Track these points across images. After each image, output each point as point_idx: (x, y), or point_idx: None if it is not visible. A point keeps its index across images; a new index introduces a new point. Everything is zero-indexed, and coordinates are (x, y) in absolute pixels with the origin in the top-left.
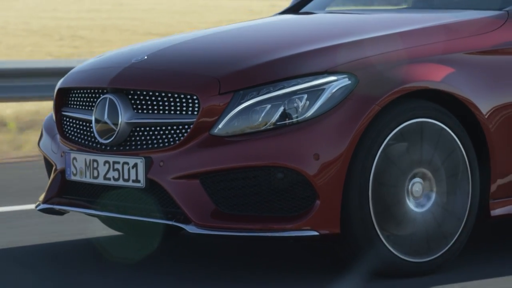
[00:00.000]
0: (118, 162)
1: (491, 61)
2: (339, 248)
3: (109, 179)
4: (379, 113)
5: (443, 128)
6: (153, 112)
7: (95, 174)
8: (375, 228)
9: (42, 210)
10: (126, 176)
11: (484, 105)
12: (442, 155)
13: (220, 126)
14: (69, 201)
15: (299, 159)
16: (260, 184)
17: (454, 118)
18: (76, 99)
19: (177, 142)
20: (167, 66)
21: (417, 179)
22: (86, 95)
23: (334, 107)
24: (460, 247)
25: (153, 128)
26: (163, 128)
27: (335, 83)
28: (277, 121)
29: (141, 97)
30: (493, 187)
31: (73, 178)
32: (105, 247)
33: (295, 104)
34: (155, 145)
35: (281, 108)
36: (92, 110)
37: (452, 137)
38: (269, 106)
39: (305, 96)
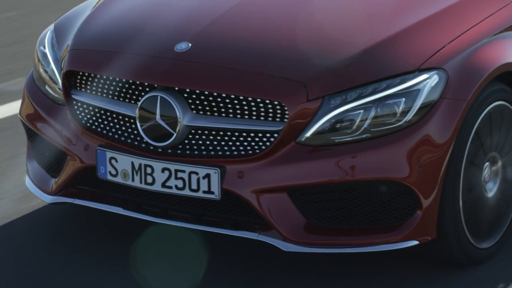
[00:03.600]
0: (183, 171)
1: None
2: (431, 252)
3: (169, 187)
4: (470, 108)
5: None
6: (219, 115)
7: (149, 181)
8: (463, 225)
9: (55, 203)
10: (194, 186)
11: None
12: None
13: (308, 134)
14: (98, 198)
15: (402, 170)
16: (359, 197)
17: None
18: (98, 85)
19: (259, 151)
20: (227, 61)
21: (488, 163)
22: (117, 85)
23: (431, 110)
24: None
25: (221, 133)
26: (236, 134)
27: (428, 82)
28: (371, 127)
29: (202, 97)
30: None
31: (111, 179)
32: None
33: (391, 109)
34: (228, 153)
35: (376, 114)
36: (130, 104)
37: None
38: (361, 111)
39: (402, 100)
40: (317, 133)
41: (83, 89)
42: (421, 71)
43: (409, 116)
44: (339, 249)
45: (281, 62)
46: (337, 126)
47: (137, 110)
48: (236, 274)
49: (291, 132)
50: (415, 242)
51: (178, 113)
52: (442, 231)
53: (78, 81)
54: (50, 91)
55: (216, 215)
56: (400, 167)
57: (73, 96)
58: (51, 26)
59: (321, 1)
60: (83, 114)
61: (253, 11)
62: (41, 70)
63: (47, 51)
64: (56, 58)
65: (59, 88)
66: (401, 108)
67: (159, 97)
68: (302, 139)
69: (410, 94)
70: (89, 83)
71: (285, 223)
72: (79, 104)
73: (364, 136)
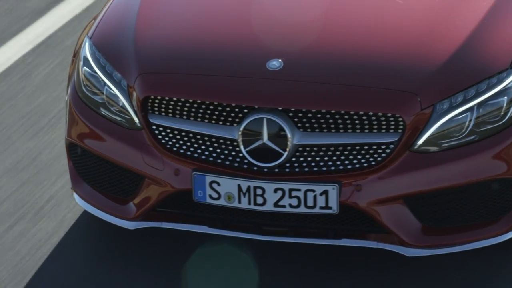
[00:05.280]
0: (298, 190)
1: None
2: None
3: (283, 206)
4: None
5: None
6: (329, 132)
7: (260, 202)
8: None
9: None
10: (310, 204)
11: None
12: None
13: (420, 142)
14: (183, 219)
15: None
16: (470, 196)
17: None
18: (184, 109)
19: (375, 164)
20: (327, 77)
21: None
22: (208, 108)
23: None
24: None
25: (332, 149)
26: (348, 149)
27: None
28: (476, 128)
29: (309, 115)
30: None
31: (211, 202)
32: None
33: (494, 109)
34: (342, 168)
35: (479, 115)
36: (226, 126)
37: None
38: (468, 114)
39: (504, 98)
40: (427, 140)
41: (163, 113)
42: None
43: (509, 114)
44: (456, 247)
45: (384, 73)
46: (446, 131)
47: (240, 132)
48: None
49: (405, 142)
50: None
51: (288, 133)
52: None
53: (156, 105)
54: (109, 114)
55: (322, 226)
56: (511, 164)
57: (153, 121)
58: (86, 41)
59: (392, 9)
60: (167, 138)
61: (332, 21)
62: (91, 91)
63: (98, 72)
64: (114, 81)
65: (125, 111)
66: (504, 106)
67: (265, 119)
68: (415, 147)
69: (510, 91)
70: (172, 107)
71: (404, 229)
72: (161, 128)
73: (471, 138)
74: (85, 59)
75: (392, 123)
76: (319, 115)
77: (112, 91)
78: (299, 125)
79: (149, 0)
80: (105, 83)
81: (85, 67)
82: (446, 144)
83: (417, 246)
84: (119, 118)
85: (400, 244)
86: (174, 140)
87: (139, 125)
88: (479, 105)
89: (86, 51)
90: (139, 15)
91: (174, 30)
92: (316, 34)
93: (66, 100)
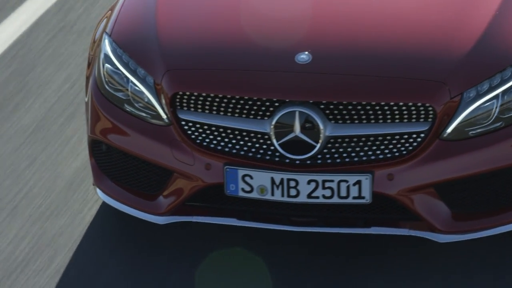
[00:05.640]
0: (332, 181)
1: None
2: None
3: (316, 197)
4: None
5: None
6: (360, 123)
7: (293, 193)
8: None
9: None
10: (344, 194)
11: None
12: None
13: (449, 130)
14: (212, 212)
15: None
16: (498, 181)
17: None
18: (214, 104)
19: (407, 153)
20: (356, 69)
21: None
22: (238, 102)
23: None
24: None
25: (363, 140)
26: (380, 139)
27: None
28: (501, 115)
29: (340, 107)
30: None
31: (243, 195)
32: None
33: None
34: (374, 158)
35: (504, 101)
36: (257, 120)
37: None
38: (494, 101)
39: None
40: (456, 129)
41: (192, 109)
42: None
43: None
44: (485, 232)
45: (412, 63)
46: (473, 119)
47: (272, 126)
48: None
49: (435, 131)
50: None
51: (320, 125)
52: None
53: (185, 101)
54: (134, 110)
55: (352, 215)
56: None
57: (182, 116)
58: (105, 38)
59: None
60: (196, 133)
61: (357, 12)
62: (114, 88)
63: (121, 69)
64: (138, 77)
65: (151, 107)
66: None
67: (297, 112)
68: (444, 136)
69: None
70: (202, 102)
71: (435, 216)
72: (191, 124)
73: (497, 125)
74: (107, 56)
75: (423, 112)
76: (350, 107)
77: (137, 88)
78: (330, 117)
79: None
80: (129, 80)
81: (107, 64)
82: (473, 132)
83: (448, 232)
84: (144, 114)
85: (431, 230)
86: (204, 135)
87: (166, 120)
88: (504, 92)
89: (107, 48)
90: (158, 10)
91: (198, 24)
92: (343, 26)
93: (86, 100)
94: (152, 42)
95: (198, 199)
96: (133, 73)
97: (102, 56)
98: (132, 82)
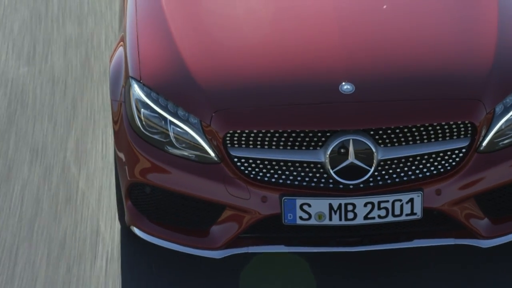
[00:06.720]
0: (387, 201)
1: None
2: None
3: (372, 218)
4: None
5: None
6: (407, 144)
7: (350, 217)
8: None
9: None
10: (397, 212)
11: None
12: None
13: (484, 143)
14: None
15: None
16: None
17: None
18: (266, 140)
19: (451, 168)
20: (399, 94)
21: None
22: (290, 136)
23: None
24: None
25: (411, 160)
26: (426, 157)
27: None
28: None
29: (388, 132)
30: None
31: (301, 223)
32: None
33: None
34: (421, 176)
35: None
36: (309, 150)
37: None
38: None
39: None
40: (490, 141)
41: (243, 145)
42: None
43: None
44: None
45: (447, 84)
46: (502, 131)
47: (327, 155)
48: None
49: (474, 145)
50: None
51: (373, 150)
52: None
53: (236, 139)
54: (176, 150)
55: (401, 231)
56: None
57: (234, 153)
58: (134, 84)
59: (428, 23)
60: (250, 169)
61: (388, 39)
62: (153, 132)
63: (160, 112)
64: (181, 118)
65: (198, 146)
66: None
67: (351, 140)
68: (481, 149)
69: None
70: (253, 139)
71: (478, 224)
72: (243, 160)
73: None
74: (141, 101)
75: (463, 129)
76: (397, 130)
77: (180, 129)
78: (379, 141)
79: (180, 25)
80: (171, 122)
81: (143, 110)
82: (503, 143)
83: (491, 237)
84: (187, 154)
85: (474, 237)
86: (257, 169)
87: (216, 159)
88: None
89: (139, 93)
90: (181, 46)
91: (233, 60)
92: (378, 52)
93: (116, 147)
94: (187, 81)
95: (249, 230)
96: (174, 115)
97: (133, 102)
98: (174, 124)
